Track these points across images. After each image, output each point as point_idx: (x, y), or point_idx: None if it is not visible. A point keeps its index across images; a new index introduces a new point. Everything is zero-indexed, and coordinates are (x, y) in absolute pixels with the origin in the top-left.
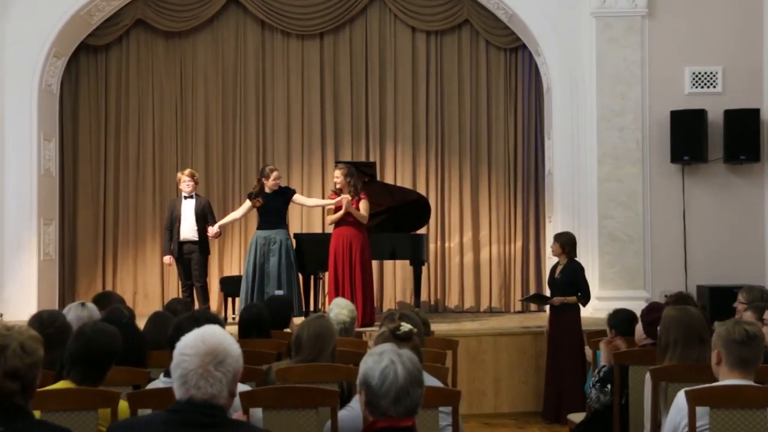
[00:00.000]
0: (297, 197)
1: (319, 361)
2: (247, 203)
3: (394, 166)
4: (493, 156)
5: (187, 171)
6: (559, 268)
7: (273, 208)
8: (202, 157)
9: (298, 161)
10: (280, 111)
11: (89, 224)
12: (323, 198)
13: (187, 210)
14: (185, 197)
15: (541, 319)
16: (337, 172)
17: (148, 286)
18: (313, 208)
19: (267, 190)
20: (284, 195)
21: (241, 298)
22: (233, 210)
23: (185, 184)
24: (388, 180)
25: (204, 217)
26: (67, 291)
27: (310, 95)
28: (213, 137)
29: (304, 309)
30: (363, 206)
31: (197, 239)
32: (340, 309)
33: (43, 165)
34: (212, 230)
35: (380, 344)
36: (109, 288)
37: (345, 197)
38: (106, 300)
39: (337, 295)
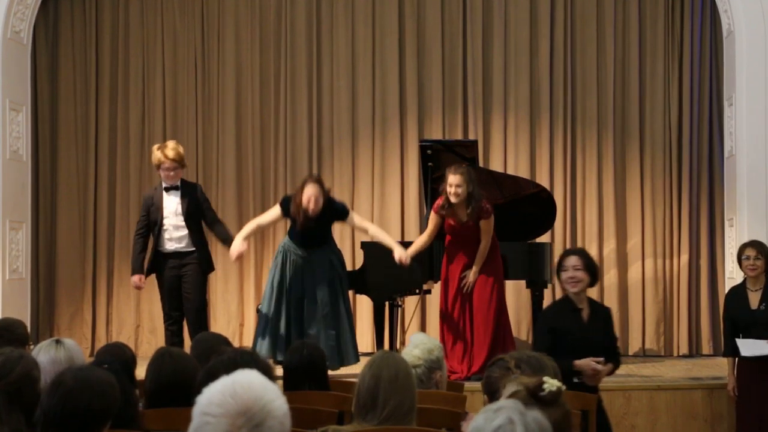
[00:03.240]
0: (351, 220)
1: (398, 422)
2: (276, 210)
3: (504, 147)
4: (647, 130)
5: (171, 151)
6: (757, 293)
7: (314, 231)
8: (231, 134)
9: (367, 140)
10: (342, 68)
11: (74, 229)
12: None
13: (172, 208)
14: (167, 188)
15: (719, 367)
16: (457, 178)
17: (155, 317)
18: (390, 208)
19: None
20: (331, 217)
21: (258, 332)
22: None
23: (169, 174)
24: (495, 166)
25: (198, 214)
26: (43, 322)
27: (384, 46)
28: (247, 106)
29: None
30: (485, 228)
31: (193, 249)
32: (413, 348)
33: (8, 145)
34: (235, 250)
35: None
36: (102, 318)
37: (400, 254)
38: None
39: (445, 335)
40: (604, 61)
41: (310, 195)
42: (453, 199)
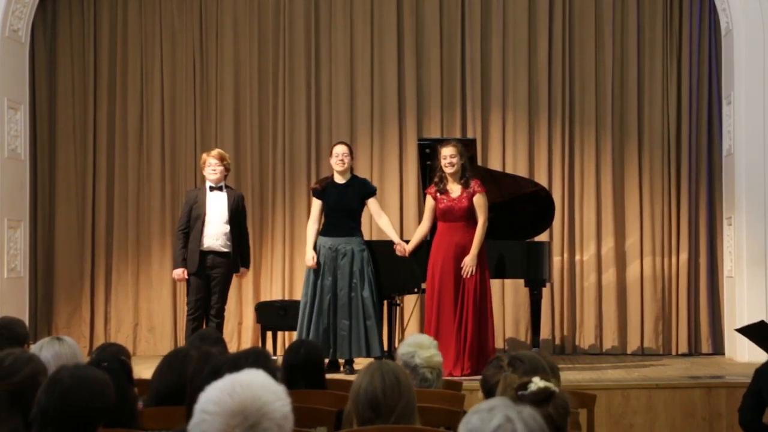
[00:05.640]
0: (372, 203)
1: (394, 422)
2: (316, 202)
3: (503, 145)
4: (645, 129)
5: (215, 152)
6: None
7: (342, 206)
8: (229, 132)
9: (365, 139)
10: (341, 67)
11: (72, 228)
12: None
13: (217, 207)
14: (211, 188)
15: (718, 365)
16: (450, 149)
17: (154, 315)
18: (389, 207)
19: (335, 177)
20: (360, 189)
21: (299, 335)
22: (272, 211)
23: (211, 170)
24: (494, 165)
25: (239, 219)
26: (41, 321)
27: (383, 44)
28: (245, 104)
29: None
30: (480, 202)
31: (228, 249)
32: (424, 350)
33: (7, 144)
34: (310, 261)
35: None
36: (100, 317)
37: (401, 245)
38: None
39: (437, 330)
40: (602, 59)
41: (337, 152)
42: (449, 170)
